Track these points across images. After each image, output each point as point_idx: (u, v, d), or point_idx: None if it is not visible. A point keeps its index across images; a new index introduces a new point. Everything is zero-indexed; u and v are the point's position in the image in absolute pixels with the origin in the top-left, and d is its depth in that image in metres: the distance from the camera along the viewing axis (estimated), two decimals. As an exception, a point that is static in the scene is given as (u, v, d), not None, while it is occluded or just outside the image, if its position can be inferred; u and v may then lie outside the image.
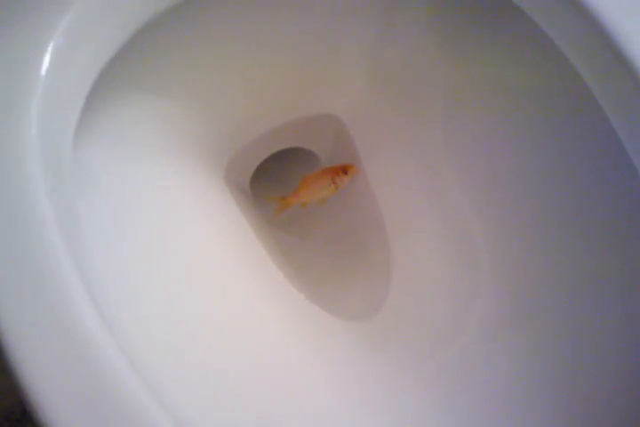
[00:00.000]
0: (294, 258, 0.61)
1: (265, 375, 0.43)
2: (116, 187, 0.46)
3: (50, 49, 0.35)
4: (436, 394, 0.48)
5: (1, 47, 0.35)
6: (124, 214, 0.45)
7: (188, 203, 0.53)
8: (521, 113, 0.52)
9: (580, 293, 0.48)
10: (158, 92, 0.51)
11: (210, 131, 0.58)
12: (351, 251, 0.64)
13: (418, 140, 0.61)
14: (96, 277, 0.33)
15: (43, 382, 0.27)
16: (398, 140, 0.63)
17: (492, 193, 0.56)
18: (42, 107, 0.33)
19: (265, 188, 0.68)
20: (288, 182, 0.67)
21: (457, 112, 0.57)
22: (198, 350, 0.41)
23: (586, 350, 0.46)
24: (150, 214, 0.48)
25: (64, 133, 0.36)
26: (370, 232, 0.63)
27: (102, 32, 0.38)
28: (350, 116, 0.65)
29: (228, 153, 0.61)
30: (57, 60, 0.35)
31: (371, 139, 0.65)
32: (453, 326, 0.53)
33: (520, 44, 0.49)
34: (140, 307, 0.39)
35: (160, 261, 0.45)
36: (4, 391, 0.40)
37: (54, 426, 0.26)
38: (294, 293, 0.55)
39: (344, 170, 0.63)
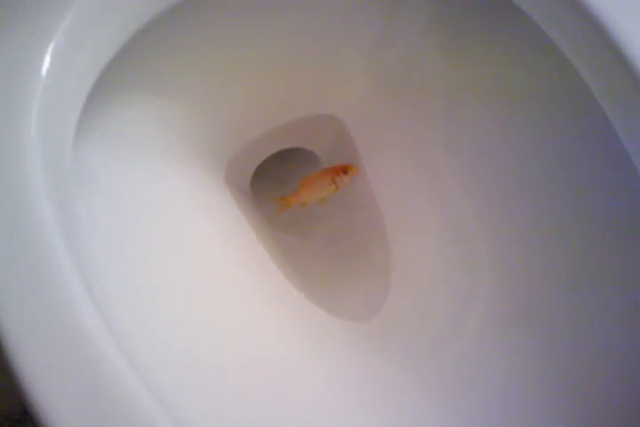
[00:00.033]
0: (294, 258, 0.61)
1: (265, 375, 0.43)
2: (116, 187, 0.46)
3: (50, 49, 0.35)
4: (435, 394, 0.48)
5: (1, 47, 0.35)
6: (124, 215, 0.45)
7: (188, 203, 0.53)
8: (521, 113, 0.52)
9: (579, 293, 0.48)
10: (158, 92, 0.51)
11: (210, 131, 0.58)
12: (351, 251, 0.64)
13: (418, 140, 0.61)
14: (96, 277, 0.33)
15: (43, 382, 0.27)
16: (398, 141, 0.63)
17: (491, 193, 0.56)
18: (42, 107, 0.33)
19: (265, 188, 0.68)
20: (288, 183, 0.67)
21: (457, 112, 0.57)
22: (198, 350, 0.41)
23: (585, 351, 0.46)
24: (150, 215, 0.48)
25: (64, 134, 0.36)
26: (370, 232, 0.63)
27: (103, 32, 0.38)
28: (350, 116, 0.65)
29: (228, 153, 0.61)
30: (57, 61, 0.35)
31: (371, 139, 0.65)
32: (453, 326, 0.53)
33: (520, 44, 0.49)
34: (140, 307, 0.39)
35: (160, 261, 0.45)
36: (5, 391, 0.40)
37: (54, 426, 0.26)
38: (294, 293, 0.55)
39: (344, 170, 0.63)
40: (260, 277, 0.55)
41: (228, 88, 0.56)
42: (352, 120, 0.65)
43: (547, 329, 0.49)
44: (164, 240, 0.47)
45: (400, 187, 0.63)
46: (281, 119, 0.64)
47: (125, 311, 0.35)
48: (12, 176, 0.31)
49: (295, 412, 0.43)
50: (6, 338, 0.28)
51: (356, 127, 0.65)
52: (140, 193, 0.48)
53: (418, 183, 0.61)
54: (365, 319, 0.56)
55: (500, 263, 0.53)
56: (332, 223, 0.67)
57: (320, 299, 0.56)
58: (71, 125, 0.36)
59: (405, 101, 0.61)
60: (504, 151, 0.54)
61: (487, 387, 0.48)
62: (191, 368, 0.38)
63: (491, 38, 0.52)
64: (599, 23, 0.38)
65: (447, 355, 0.50)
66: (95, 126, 0.44)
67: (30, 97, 0.33)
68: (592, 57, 0.39)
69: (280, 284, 0.55)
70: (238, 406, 0.39)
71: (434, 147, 0.59)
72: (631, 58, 0.37)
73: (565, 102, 0.47)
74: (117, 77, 0.42)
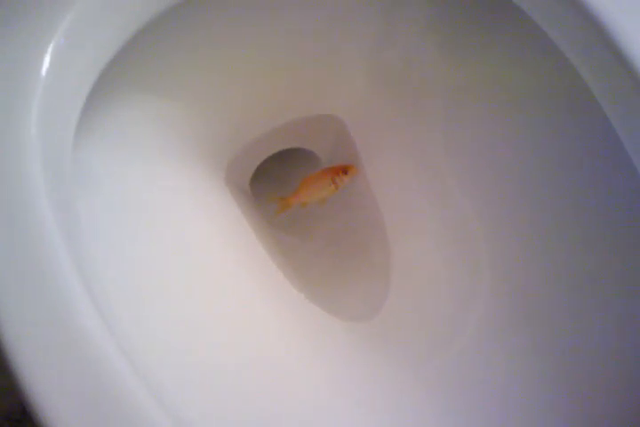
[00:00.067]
0: (294, 258, 0.61)
1: (265, 375, 0.43)
2: (116, 187, 0.46)
3: (50, 49, 0.35)
4: (435, 394, 0.48)
5: (2, 47, 0.35)
6: (124, 215, 0.45)
7: (188, 203, 0.53)
8: (521, 113, 0.52)
9: (579, 293, 0.48)
10: (159, 92, 0.51)
11: (210, 131, 0.58)
12: (351, 251, 0.64)
13: (418, 140, 0.61)
14: (96, 277, 0.33)
15: (43, 381, 0.27)
16: (398, 141, 0.63)
17: (491, 193, 0.56)
18: (42, 107, 0.33)
19: (265, 188, 0.68)
20: (288, 183, 0.67)
21: (457, 112, 0.57)
22: (198, 349, 0.41)
23: (585, 350, 0.46)
24: (150, 214, 0.48)
25: (64, 134, 0.36)
26: (370, 232, 0.63)
27: (103, 32, 0.38)
28: (350, 116, 0.65)
29: (229, 154, 0.61)
30: (57, 61, 0.35)
31: (371, 139, 0.65)
32: (453, 326, 0.53)
33: (520, 44, 0.49)
34: (140, 307, 0.39)
35: (160, 261, 0.45)
36: (4, 391, 0.40)
37: (54, 426, 0.26)
38: (294, 293, 0.55)
39: (344, 170, 0.63)
40: (260, 277, 0.55)
41: (228, 88, 0.56)
42: (352, 120, 0.65)
43: (546, 329, 0.49)
44: (164, 240, 0.47)
45: (400, 187, 0.63)
46: (281, 119, 0.64)
47: (125, 311, 0.35)
48: (12, 176, 0.31)
49: (295, 412, 0.43)
50: (6, 338, 0.28)
51: (356, 127, 0.65)
52: (139, 193, 0.48)
53: (418, 183, 0.61)
54: (365, 319, 0.56)
55: (499, 263, 0.53)
56: (332, 223, 0.67)
57: (320, 299, 0.56)
58: (71, 125, 0.36)
59: (405, 101, 0.61)
60: (504, 151, 0.54)
61: (487, 387, 0.48)
62: (191, 368, 0.38)
63: (491, 38, 0.52)
64: (599, 23, 0.38)
65: (447, 355, 0.50)
66: (95, 126, 0.44)
67: (30, 97, 0.33)
68: (592, 57, 0.39)
69: (280, 284, 0.55)
70: (238, 406, 0.39)
71: (434, 147, 0.59)
72: (631, 58, 0.37)
73: (565, 102, 0.47)
74: (117, 77, 0.42)
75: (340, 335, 0.54)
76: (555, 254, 0.50)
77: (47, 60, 0.34)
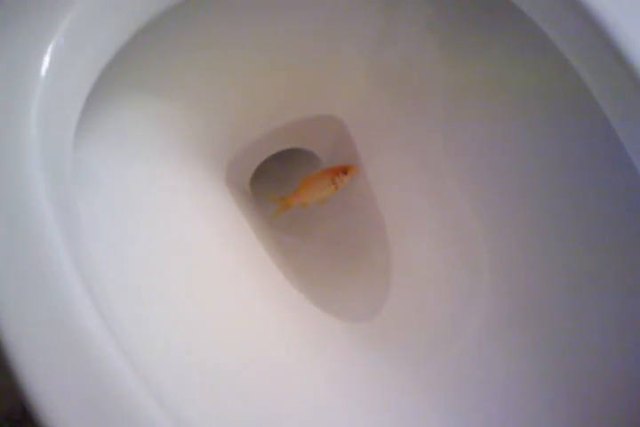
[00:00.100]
0: (295, 259, 0.61)
1: (265, 375, 0.43)
2: (116, 187, 0.46)
3: (50, 50, 0.35)
4: (435, 394, 0.48)
5: (2, 47, 0.35)
6: (124, 215, 0.45)
7: (189, 203, 0.53)
8: (521, 113, 0.52)
9: (579, 293, 0.48)
10: (158, 92, 0.51)
11: (210, 132, 0.58)
12: (352, 252, 0.64)
13: (418, 141, 0.61)
14: (96, 277, 0.33)
15: (43, 382, 0.27)
16: (398, 141, 0.63)
17: (491, 193, 0.56)
18: (42, 107, 0.33)
19: (265, 188, 0.68)
20: (288, 183, 0.67)
21: (457, 112, 0.57)
22: (198, 350, 0.41)
23: (585, 350, 0.46)
24: (150, 215, 0.48)
25: (64, 134, 0.36)
26: (370, 233, 0.63)
27: (103, 33, 0.38)
28: (350, 116, 0.65)
29: (229, 154, 0.61)
30: (57, 61, 0.35)
31: (371, 139, 0.65)
32: (453, 326, 0.53)
33: (520, 45, 0.49)
34: (140, 307, 0.39)
35: (160, 261, 0.45)
36: (4, 391, 0.40)
37: (54, 426, 0.26)
38: (295, 293, 0.55)
39: (344, 170, 0.63)
40: (261, 277, 0.55)
41: (227, 88, 0.56)
42: (352, 120, 0.65)
43: (546, 329, 0.49)
44: (164, 240, 0.47)
45: (400, 187, 0.63)
46: (281, 119, 0.64)
47: (125, 311, 0.35)
48: (12, 176, 0.31)
49: (295, 412, 0.43)
50: (6, 338, 0.28)
51: (356, 127, 0.65)
52: (139, 193, 0.48)
53: (418, 183, 0.61)
54: (365, 320, 0.56)
55: (499, 263, 0.53)
56: (332, 224, 0.67)
57: (320, 299, 0.56)
58: (71, 126, 0.36)
59: (405, 101, 0.61)
60: (504, 151, 0.54)
61: (487, 387, 0.48)
62: (191, 368, 0.38)
63: (490, 38, 0.52)
64: (599, 24, 0.38)
65: (447, 355, 0.50)
66: (95, 126, 0.44)
67: (30, 97, 0.33)
68: (592, 57, 0.39)
69: (280, 284, 0.55)
70: (238, 406, 0.39)
71: (434, 147, 0.60)
72: (631, 58, 0.37)
73: (565, 102, 0.47)
74: (117, 78, 0.42)
75: (340, 336, 0.54)
76: (555, 254, 0.50)
77: (47, 60, 0.34)
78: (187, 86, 0.53)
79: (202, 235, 0.52)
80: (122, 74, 0.43)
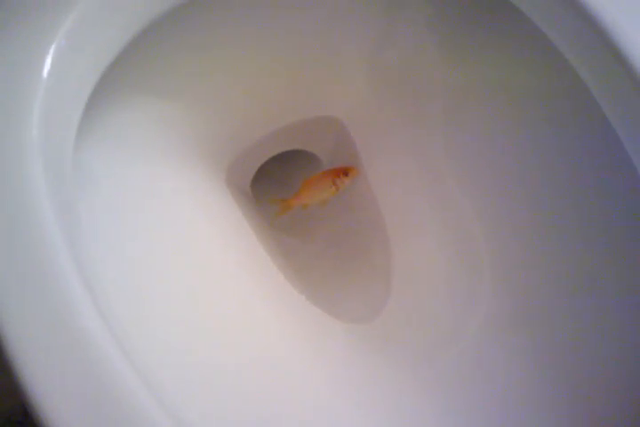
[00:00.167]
0: (295, 260, 0.61)
1: (265, 376, 0.43)
2: (117, 188, 0.46)
3: (52, 51, 0.35)
4: (435, 395, 0.48)
5: (3, 49, 0.35)
6: (124, 216, 0.45)
7: (189, 204, 0.53)
8: (521, 113, 0.52)
9: (579, 293, 0.48)
10: (160, 94, 0.51)
11: (211, 133, 0.58)
12: (352, 253, 0.64)
13: (418, 142, 0.61)
14: (97, 278, 0.33)
15: (43, 382, 0.27)
16: (399, 142, 0.63)
17: (491, 194, 0.56)
18: (43, 109, 0.33)
19: (266, 190, 0.68)
20: (289, 184, 0.67)
21: (457, 113, 0.57)
22: (198, 350, 0.41)
23: (585, 351, 0.46)
24: (151, 216, 0.48)
25: (65, 135, 0.36)
26: (371, 234, 0.63)
27: (104, 34, 0.38)
28: (351, 117, 0.65)
29: (229, 155, 0.62)
30: (59, 62, 0.35)
31: (371, 140, 0.65)
32: (453, 328, 0.53)
33: (520, 45, 0.49)
34: (140, 307, 0.39)
35: (161, 262, 0.45)
36: (5, 392, 0.40)
37: (55, 427, 0.26)
38: (295, 295, 0.55)
39: (345, 172, 0.63)
40: (261, 278, 0.55)
41: (228, 89, 0.56)
42: (352, 121, 0.65)
43: (546, 329, 0.49)
44: (165, 241, 0.47)
45: (401, 188, 0.63)
46: (282, 121, 0.64)
47: (126, 312, 0.35)
48: (13, 177, 0.31)
49: (295, 412, 0.43)
50: (7, 339, 0.28)
51: (357, 129, 0.65)
52: (140, 194, 0.48)
53: (418, 184, 0.61)
54: (366, 321, 0.56)
55: (499, 263, 0.53)
56: (332, 225, 0.67)
57: (321, 301, 0.56)
58: (72, 127, 0.36)
59: (405, 102, 0.61)
60: (504, 152, 0.54)
61: (487, 387, 0.48)
62: (191, 368, 0.38)
63: (490, 39, 0.52)
64: (599, 23, 0.38)
65: (447, 355, 0.50)
66: (96, 128, 0.44)
67: (32, 98, 0.33)
68: (592, 57, 0.39)
69: (281, 285, 0.55)
70: (238, 407, 0.39)
71: (434, 147, 0.60)
72: (631, 58, 0.36)
73: (565, 102, 0.47)
74: (119, 79, 0.42)
75: (340, 337, 0.54)
76: (554, 255, 0.50)
77: (48, 61, 0.35)
78: (188, 87, 0.53)
79: (202, 236, 0.52)
80: (123, 75, 0.44)
